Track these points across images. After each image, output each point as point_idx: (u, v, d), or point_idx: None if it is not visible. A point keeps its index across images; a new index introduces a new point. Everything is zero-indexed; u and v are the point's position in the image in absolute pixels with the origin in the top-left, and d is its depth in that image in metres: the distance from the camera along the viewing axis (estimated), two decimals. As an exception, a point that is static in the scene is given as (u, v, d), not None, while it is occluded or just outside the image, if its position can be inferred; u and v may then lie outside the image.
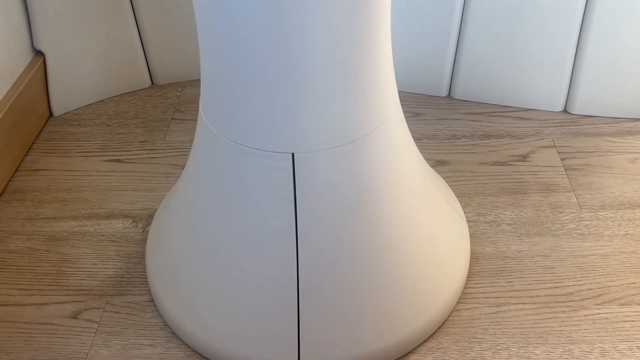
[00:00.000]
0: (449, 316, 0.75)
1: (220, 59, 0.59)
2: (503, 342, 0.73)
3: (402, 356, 0.72)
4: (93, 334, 0.75)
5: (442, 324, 0.75)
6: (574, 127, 1.03)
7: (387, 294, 0.69)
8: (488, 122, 1.05)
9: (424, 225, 0.73)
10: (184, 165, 0.98)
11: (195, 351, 0.72)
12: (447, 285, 0.75)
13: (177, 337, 0.74)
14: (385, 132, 0.65)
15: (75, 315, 0.77)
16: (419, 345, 0.73)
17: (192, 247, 0.72)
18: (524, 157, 0.98)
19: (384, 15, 0.60)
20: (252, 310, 0.68)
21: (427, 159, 0.96)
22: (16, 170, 0.98)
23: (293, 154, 0.60)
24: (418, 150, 0.77)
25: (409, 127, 1.02)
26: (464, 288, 0.79)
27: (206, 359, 0.72)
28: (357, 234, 0.66)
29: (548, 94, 1.05)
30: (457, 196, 0.90)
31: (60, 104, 1.08)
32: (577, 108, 1.05)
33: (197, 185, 0.71)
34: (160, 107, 1.10)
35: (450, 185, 0.92)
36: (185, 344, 0.73)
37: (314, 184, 0.62)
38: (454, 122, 1.05)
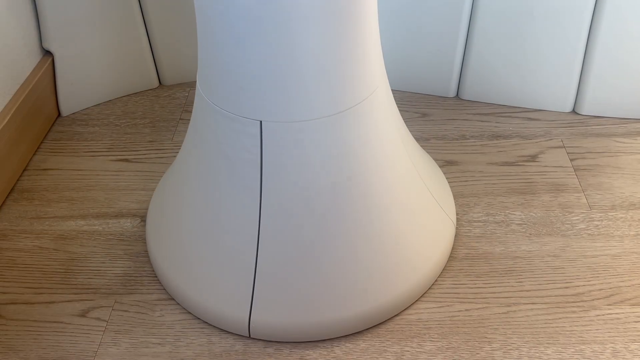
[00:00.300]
0: (455, 316, 0.75)
1: (211, 30, 0.64)
2: (514, 342, 0.73)
3: (407, 351, 0.71)
4: (102, 333, 0.75)
5: (452, 324, 0.74)
6: (583, 128, 1.03)
7: (344, 264, 0.72)
8: (497, 122, 1.04)
9: (409, 197, 0.77)
10: (192, 165, 0.98)
11: (203, 351, 0.72)
12: (420, 265, 0.77)
13: (186, 337, 0.74)
14: (366, 108, 0.68)
15: (84, 314, 0.77)
16: (429, 345, 0.72)
17: (178, 203, 0.78)
18: (533, 158, 0.97)
19: None
20: (218, 262, 0.73)
21: (435, 159, 0.96)
22: (25, 170, 0.98)
23: (261, 122, 0.65)
24: (406, 128, 0.80)
25: (416, 127, 1.03)
26: (475, 288, 0.78)
27: None
28: (320, 202, 0.69)
29: (557, 95, 1.05)
30: (466, 196, 0.90)
31: (68, 104, 1.09)
32: (586, 109, 1.04)
33: (187, 149, 0.77)
34: (168, 108, 1.11)
35: (459, 186, 0.92)
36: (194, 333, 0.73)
37: (279, 152, 0.66)
38: (462, 122, 1.04)
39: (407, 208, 0.76)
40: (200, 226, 0.74)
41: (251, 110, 0.65)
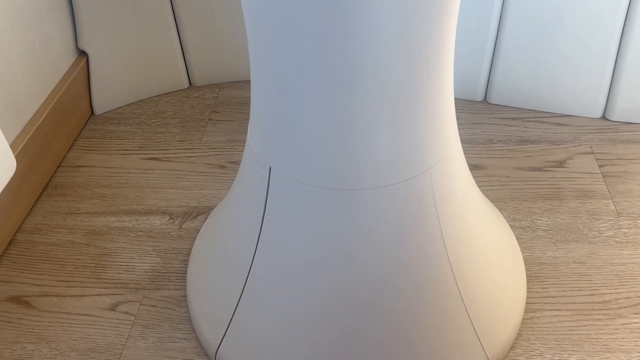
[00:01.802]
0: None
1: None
2: (537, 347, 0.72)
3: None
4: (130, 326, 0.77)
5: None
6: (613, 134, 1.01)
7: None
8: (524, 127, 1.04)
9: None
10: (220, 165, 1.00)
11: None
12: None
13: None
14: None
15: (113, 308, 0.79)
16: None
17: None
18: (560, 163, 0.97)
19: (450, 42, 0.57)
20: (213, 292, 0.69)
21: (461, 163, 0.96)
22: (59, 167, 1.01)
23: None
24: (474, 181, 0.73)
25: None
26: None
27: None
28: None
29: (586, 100, 1.04)
30: (493, 201, 0.90)
31: (101, 103, 1.11)
32: (617, 115, 1.03)
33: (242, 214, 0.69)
34: (198, 108, 1.13)
35: (485, 190, 0.92)
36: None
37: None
38: (490, 126, 1.04)
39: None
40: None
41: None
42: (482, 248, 0.68)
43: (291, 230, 0.62)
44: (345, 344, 0.65)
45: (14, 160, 0.75)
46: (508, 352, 0.72)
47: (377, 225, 0.60)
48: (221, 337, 0.68)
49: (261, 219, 0.63)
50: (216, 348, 0.69)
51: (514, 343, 0.73)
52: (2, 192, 0.84)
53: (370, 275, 0.62)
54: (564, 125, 1.04)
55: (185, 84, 1.18)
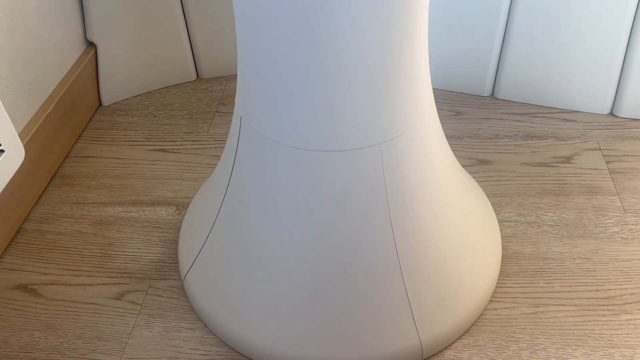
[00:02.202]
0: (482, 314, 0.75)
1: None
2: (541, 342, 0.72)
3: (438, 352, 0.72)
4: (136, 315, 0.77)
5: (479, 322, 0.74)
6: (621, 131, 1.01)
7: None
8: (531, 122, 1.03)
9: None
10: (226, 157, 1.00)
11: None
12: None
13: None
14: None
15: (119, 297, 0.80)
16: (454, 342, 0.73)
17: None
18: (567, 159, 0.96)
19: (422, 17, 0.60)
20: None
21: (468, 158, 0.96)
22: (66, 157, 1.02)
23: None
24: (452, 153, 0.76)
25: (450, 126, 1.03)
26: (504, 287, 0.78)
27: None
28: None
29: (594, 97, 1.03)
30: (498, 196, 0.90)
31: (109, 95, 1.12)
32: (625, 111, 1.03)
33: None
34: (205, 100, 1.13)
35: (491, 185, 0.92)
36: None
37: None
38: (496, 122, 1.04)
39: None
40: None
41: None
42: (436, 233, 0.70)
43: (251, 179, 0.68)
44: (299, 286, 0.68)
45: (23, 148, 0.75)
46: (450, 344, 0.72)
47: (324, 187, 0.64)
48: (190, 265, 0.76)
49: (232, 166, 0.69)
50: (185, 274, 0.77)
51: (517, 337, 0.73)
52: (10, 181, 0.84)
53: (316, 233, 0.66)
54: (571, 121, 1.03)
55: (193, 76, 1.18)
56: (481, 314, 0.75)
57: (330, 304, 0.68)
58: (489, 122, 1.04)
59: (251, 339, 0.71)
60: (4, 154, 0.72)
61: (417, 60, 0.62)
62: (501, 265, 0.80)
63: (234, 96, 1.16)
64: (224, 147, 1.02)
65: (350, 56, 0.57)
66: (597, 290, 0.78)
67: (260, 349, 0.70)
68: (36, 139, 0.92)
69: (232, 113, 1.11)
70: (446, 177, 0.72)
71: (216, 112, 1.10)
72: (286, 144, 0.63)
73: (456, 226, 0.73)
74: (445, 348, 0.72)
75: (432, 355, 0.71)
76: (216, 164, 0.99)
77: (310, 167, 0.63)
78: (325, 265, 0.67)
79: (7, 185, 0.84)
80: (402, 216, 0.66)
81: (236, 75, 1.21)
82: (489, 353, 0.72)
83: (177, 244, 0.86)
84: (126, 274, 0.82)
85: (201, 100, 1.13)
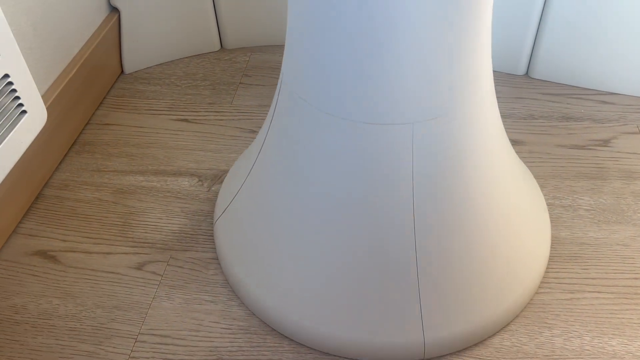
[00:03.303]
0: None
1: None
2: (575, 329, 0.70)
3: (468, 335, 0.69)
4: (156, 286, 0.75)
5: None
6: (661, 115, 0.97)
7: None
8: (567, 103, 0.99)
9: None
10: (250, 129, 0.98)
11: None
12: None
13: (238, 297, 0.74)
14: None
15: (139, 267, 0.78)
16: (485, 326, 0.70)
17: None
18: (605, 142, 0.92)
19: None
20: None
21: (501, 138, 0.92)
22: (87, 123, 0.99)
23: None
24: (508, 145, 0.72)
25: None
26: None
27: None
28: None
29: (634, 79, 0.99)
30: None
31: (131, 62, 1.09)
32: (666, 95, 0.99)
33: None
34: (229, 71, 1.10)
35: (526, 166, 0.88)
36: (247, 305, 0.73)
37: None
38: (531, 101, 1.00)
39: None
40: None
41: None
42: (459, 231, 0.65)
43: (284, 141, 0.67)
44: (327, 242, 0.66)
45: (45, 111, 0.73)
46: (457, 351, 0.67)
47: (352, 158, 0.61)
48: (221, 213, 0.78)
49: (269, 125, 0.69)
50: (217, 219, 0.78)
51: (551, 324, 0.70)
52: (31, 145, 0.82)
53: (340, 203, 0.63)
54: (609, 103, 0.99)
55: (217, 47, 1.15)
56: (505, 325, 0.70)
57: (351, 280, 0.65)
58: (523, 101, 1.00)
59: (261, 295, 0.70)
60: (27, 114, 0.70)
61: (477, 47, 0.58)
62: (535, 249, 0.77)
63: (258, 68, 1.13)
64: (247, 119, 1.00)
65: (405, 28, 0.53)
66: (635, 279, 0.74)
67: (268, 307, 0.70)
68: (58, 103, 0.90)
69: (256, 85, 1.09)
70: (486, 175, 0.67)
71: (240, 83, 1.07)
72: (321, 110, 0.60)
73: (491, 235, 0.67)
74: (476, 331, 0.69)
75: (462, 339, 0.69)
76: (239, 136, 0.97)
77: (344, 136, 0.60)
78: (349, 238, 0.64)
79: (27, 149, 0.82)
80: (426, 206, 0.62)
81: (260, 47, 1.19)
82: (520, 338, 0.69)
83: (199, 215, 0.83)
84: (147, 244, 0.80)
85: (225, 71, 1.10)
